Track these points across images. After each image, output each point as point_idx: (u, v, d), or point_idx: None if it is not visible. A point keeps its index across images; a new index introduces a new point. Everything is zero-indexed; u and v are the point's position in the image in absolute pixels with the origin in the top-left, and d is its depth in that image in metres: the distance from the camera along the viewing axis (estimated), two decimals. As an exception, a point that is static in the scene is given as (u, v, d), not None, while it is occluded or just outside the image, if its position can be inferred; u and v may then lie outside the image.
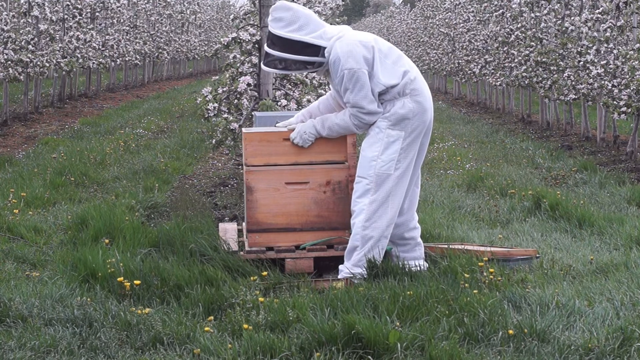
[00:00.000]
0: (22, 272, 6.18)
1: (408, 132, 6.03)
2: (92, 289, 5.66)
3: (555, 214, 7.98)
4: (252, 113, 8.31)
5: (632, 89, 11.58)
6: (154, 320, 5.01)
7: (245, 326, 4.87)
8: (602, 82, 12.73)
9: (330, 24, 10.68)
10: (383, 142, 6.02)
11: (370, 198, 6.01)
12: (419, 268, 6.09)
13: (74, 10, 19.72)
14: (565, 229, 7.58)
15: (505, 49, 18.81)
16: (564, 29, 14.88)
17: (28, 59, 16.06)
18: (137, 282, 5.61)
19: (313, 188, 6.32)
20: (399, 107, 6.02)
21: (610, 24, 12.57)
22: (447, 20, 27.01)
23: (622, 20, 12.40)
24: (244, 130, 6.52)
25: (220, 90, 9.21)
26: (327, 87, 10.11)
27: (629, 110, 11.63)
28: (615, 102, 11.94)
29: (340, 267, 6.09)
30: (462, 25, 24.57)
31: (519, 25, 17.46)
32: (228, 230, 6.97)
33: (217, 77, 9.54)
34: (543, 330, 4.82)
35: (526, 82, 16.87)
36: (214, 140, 9.31)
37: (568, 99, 14.40)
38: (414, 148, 6.08)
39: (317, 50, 6.02)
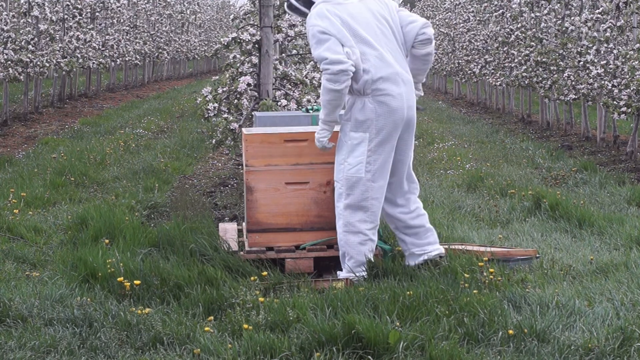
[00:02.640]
0: (22, 272, 6.18)
1: (373, 133, 5.93)
2: (92, 289, 5.66)
3: (555, 214, 7.98)
4: (252, 113, 8.31)
5: (632, 89, 11.58)
6: (154, 320, 5.01)
7: (245, 326, 4.87)
8: (602, 82, 12.73)
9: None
10: (347, 146, 5.97)
11: (344, 202, 5.99)
12: (436, 253, 6.09)
13: (74, 10, 19.72)
14: (565, 229, 7.58)
15: (505, 49, 18.81)
16: (564, 29, 14.88)
17: (28, 59, 16.06)
18: (137, 282, 5.61)
19: (313, 188, 6.32)
20: (358, 108, 5.93)
21: (610, 24, 12.57)
22: (447, 20, 27.02)
23: (622, 20, 12.40)
24: (244, 131, 6.52)
25: (220, 90, 9.21)
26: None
27: (629, 110, 11.63)
28: (615, 102, 11.94)
29: (339, 272, 6.09)
30: (462, 25, 24.57)
31: (519, 25, 17.46)
32: (228, 230, 6.97)
33: (217, 77, 9.54)
34: (543, 330, 4.82)
35: (526, 82, 16.87)
36: (214, 140, 9.31)
37: (568, 99, 14.41)
38: (385, 149, 5.97)
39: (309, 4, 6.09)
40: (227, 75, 9.31)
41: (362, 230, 5.99)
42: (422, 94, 6.39)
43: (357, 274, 5.94)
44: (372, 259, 5.99)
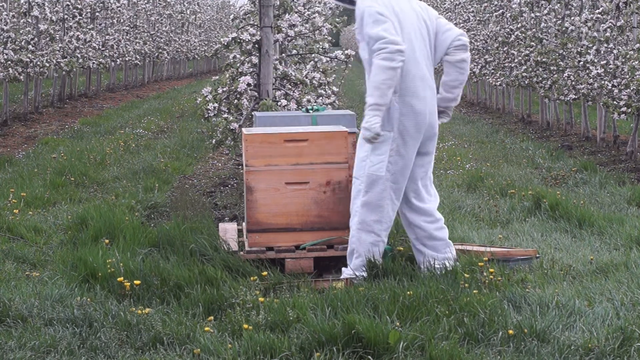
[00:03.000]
0: (22, 272, 6.18)
1: (397, 133, 5.90)
2: (92, 289, 5.66)
3: (555, 214, 7.98)
4: (252, 113, 8.31)
5: (632, 89, 11.58)
6: (154, 320, 5.01)
7: (245, 326, 4.87)
8: (602, 82, 12.73)
9: (330, 24, 10.73)
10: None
11: (362, 200, 5.95)
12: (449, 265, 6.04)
13: (74, 10, 19.72)
14: (565, 229, 7.57)
15: (505, 49, 18.81)
16: (564, 29, 14.88)
17: (28, 59, 16.06)
18: (137, 282, 5.61)
19: (313, 188, 6.33)
20: None
21: (610, 24, 12.57)
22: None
23: (622, 20, 12.40)
24: (244, 131, 6.52)
25: (220, 90, 9.21)
26: (326, 87, 10.12)
27: (629, 110, 11.63)
28: (615, 102, 11.94)
29: (343, 269, 6.07)
30: (462, 25, 24.57)
31: (519, 25, 17.46)
32: (228, 230, 6.97)
33: (217, 77, 9.54)
34: (543, 330, 4.82)
35: (526, 82, 16.87)
36: (214, 140, 9.31)
37: (568, 99, 14.40)
38: (408, 151, 5.94)
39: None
40: (227, 75, 9.31)
41: (375, 231, 5.95)
42: (449, 119, 6.30)
43: (360, 274, 5.92)
44: (380, 261, 5.96)
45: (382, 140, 5.88)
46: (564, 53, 14.91)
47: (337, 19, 11.00)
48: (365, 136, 5.85)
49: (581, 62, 13.73)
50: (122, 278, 5.65)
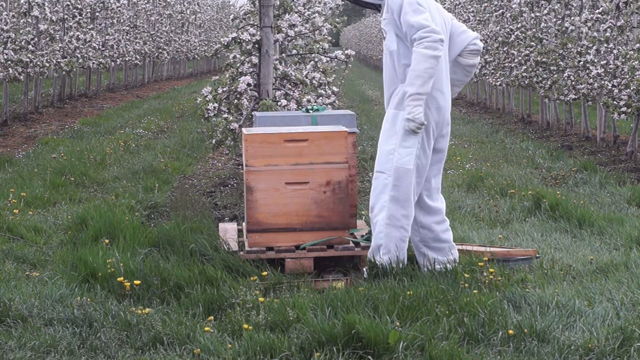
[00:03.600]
0: (22, 272, 6.18)
1: (423, 126, 5.85)
2: (92, 289, 5.66)
3: (555, 214, 7.98)
4: (252, 113, 8.31)
5: (632, 89, 11.58)
6: (154, 320, 5.01)
7: (245, 326, 4.87)
8: (602, 82, 12.73)
9: (330, 24, 10.73)
10: (398, 135, 5.87)
11: (391, 194, 5.87)
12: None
13: (74, 10, 19.72)
14: (565, 229, 7.57)
15: (505, 49, 18.80)
16: (564, 29, 14.88)
17: (28, 59, 16.06)
18: (137, 282, 5.61)
19: (313, 188, 6.33)
20: None
21: (610, 24, 12.57)
22: (447, 20, 26.97)
23: (622, 20, 12.40)
24: (244, 131, 6.52)
25: (220, 90, 9.21)
26: (326, 87, 10.12)
27: (629, 110, 11.63)
28: (615, 102, 11.94)
29: (364, 269, 6.03)
30: (462, 25, 24.54)
31: (519, 25, 17.46)
32: (228, 230, 6.98)
33: (217, 77, 9.54)
34: (543, 330, 4.82)
35: (526, 82, 16.87)
36: (214, 140, 9.31)
37: (568, 99, 14.40)
38: (430, 146, 5.93)
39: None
40: (227, 75, 9.31)
41: (404, 226, 5.90)
42: None
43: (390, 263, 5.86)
44: (406, 261, 5.91)
45: (409, 133, 5.84)
46: (564, 53, 14.91)
47: (337, 19, 11.00)
48: (409, 127, 5.79)
49: (581, 62, 13.72)
50: (122, 278, 5.65)
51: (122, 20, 25.19)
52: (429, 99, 5.86)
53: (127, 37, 25.65)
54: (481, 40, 6.20)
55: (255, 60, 9.22)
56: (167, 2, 30.83)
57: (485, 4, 21.56)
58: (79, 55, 19.77)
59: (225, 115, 9.10)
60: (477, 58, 6.15)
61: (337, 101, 10.35)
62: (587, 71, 13.47)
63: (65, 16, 19.49)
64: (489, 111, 21.22)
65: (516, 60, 17.57)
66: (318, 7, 11.35)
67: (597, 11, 13.22)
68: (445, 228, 6.10)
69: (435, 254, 6.06)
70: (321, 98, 9.94)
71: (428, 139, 5.94)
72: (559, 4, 15.55)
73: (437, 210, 6.09)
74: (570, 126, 15.51)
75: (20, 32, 16.81)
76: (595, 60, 13.10)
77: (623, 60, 12.20)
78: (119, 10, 24.48)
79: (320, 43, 10.44)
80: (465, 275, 5.72)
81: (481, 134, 15.53)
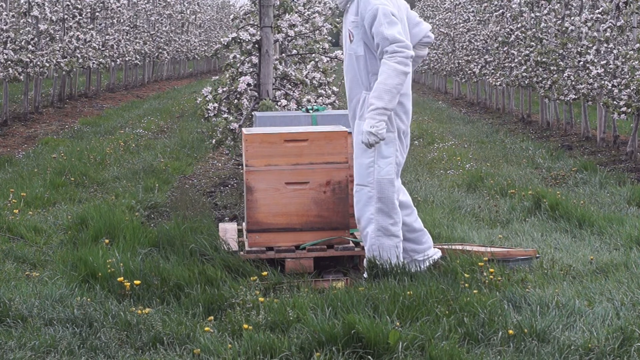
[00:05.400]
0: (22, 272, 6.18)
1: (396, 132, 5.89)
2: (92, 289, 5.66)
3: (555, 214, 7.98)
4: (252, 113, 8.31)
5: (632, 89, 11.58)
6: (154, 320, 5.01)
7: (245, 326, 4.87)
8: (602, 82, 12.73)
9: (330, 24, 10.73)
10: (377, 146, 5.83)
11: (376, 207, 5.87)
12: (438, 256, 6.05)
13: (74, 10, 19.72)
14: (565, 229, 7.57)
15: (505, 49, 18.81)
16: (564, 29, 14.88)
17: (28, 59, 16.06)
18: (137, 282, 5.61)
19: (313, 188, 6.33)
20: None
21: (610, 24, 12.57)
22: (447, 20, 27.01)
23: (622, 20, 12.40)
24: (244, 131, 6.52)
25: (220, 90, 9.21)
26: (326, 87, 10.12)
27: (629, 110, 11.63)
28: (615, 102, 11.94)
29: (365, 274, 6.03)
30: (462, 25, 24.57)
31: (519, 25, 17.46)
32: (228, 230, 6.98)
33: (217, 77, 9.55)
34: (543, 330, 4.82)
35: (526, 82, 16.87)
36: (214, 140, 9.31)
37: (568, 99, 14.40)
38: (403, 146, 5.97)
39: None
40: (227, 75, 9.31)
41: (394, 233, 5.91)
42: None
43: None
44: (403, 263, 5.92)
45: (387, 141, 5.83)
46: (564, 53, 14.91)
47: (337, 19, 11.01)
48: (370, 141, 5.72)
49: (581, 62, 13.72)
50: (122, 278, 5.65)
51: (122, 20, 25.19)
52: (397, 107, 5.83)
53: (127, 37, 25.65)
54: (431, 30, 6.17)
55: (255, 60, 9.22)
56: (167, 2, 30.83)
57: (485, 4, 21.57)
58: (79, 55, 19.77)
59: (225, 115, 9.10)
60: (427, 49, 6.19)
61: (337, 101, 10.35)
62: (587, 71, 13.47)
63: (65, 16, 19.49)
64: (489, 111, 21.22)
65: (516, 60, 17.57)
66: (318, 7, 11.36)
67: (597, 11, 13.22)
68: (415, 218, 6.13)
69: (412, 245, 6.07)
70: (321, 98, 9.94)
71: (401, 142, 5.96)
72: (559, 4, 15.55)
73: (406, 204, 6.11)
74: (570, 126, 15.51)
75: (20, 32, 16.81)
76: (595, 60, 13.10)
77: (623, 60, 12.20)
78: (119, 10, 24.48)
79: (320, 43, 10.44)
80: (465, 275, 5.72)
81: (481, 134, 15.53)
